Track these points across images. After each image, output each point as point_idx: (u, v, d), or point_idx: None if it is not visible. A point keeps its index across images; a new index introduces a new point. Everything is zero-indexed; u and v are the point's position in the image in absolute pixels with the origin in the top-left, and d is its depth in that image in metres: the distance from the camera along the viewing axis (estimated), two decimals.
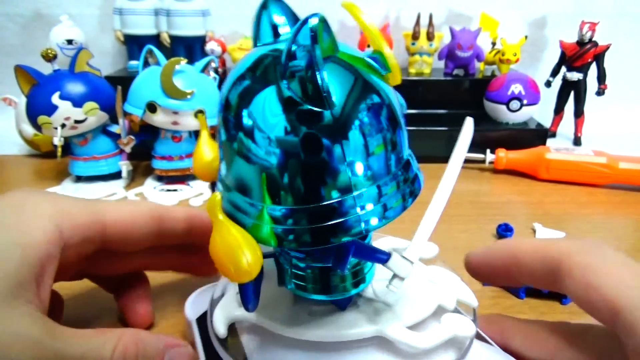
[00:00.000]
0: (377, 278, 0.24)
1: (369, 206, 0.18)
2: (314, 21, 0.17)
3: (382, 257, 0.22)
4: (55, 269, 0.23)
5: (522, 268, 0.22)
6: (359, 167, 0.18)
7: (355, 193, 0.18)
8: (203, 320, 0.26)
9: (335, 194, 0.18)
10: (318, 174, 0.18)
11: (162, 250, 0.30)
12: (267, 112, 0.18)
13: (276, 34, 0.21)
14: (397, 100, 0.20)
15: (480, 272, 0.25)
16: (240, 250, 0.17)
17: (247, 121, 0.18)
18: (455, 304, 0.25)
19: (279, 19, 0.21)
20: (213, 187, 0.22)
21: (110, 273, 0.31)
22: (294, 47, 0.17)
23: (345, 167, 0.18)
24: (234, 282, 0.18)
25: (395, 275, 0.22)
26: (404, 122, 0.20)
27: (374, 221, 0.18)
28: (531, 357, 0.22)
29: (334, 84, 0.18)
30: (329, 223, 0.18)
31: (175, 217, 0.29)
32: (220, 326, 0.23)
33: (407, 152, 0.21)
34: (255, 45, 0.21)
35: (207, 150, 0.23)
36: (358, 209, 0.18)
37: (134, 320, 0.31)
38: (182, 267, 0.33)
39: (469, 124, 0.24)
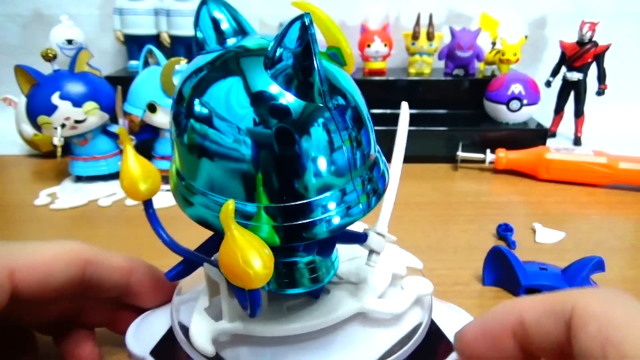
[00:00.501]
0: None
1: (332, 205, 0.19)
2: (307, 17, 0.18)
3: (362, 238, 0.24)
4: None
5: (530, 331, 0.17)
6: (322, 164, 0.19)
7: (320, 192, 0.19)
8: (162, 351, 0.24)
9: (303, 190, 0.19)
10: (291, 169, 0.18)
11: (90, 299, 0.27)
12: (233, 102, 0.18)
13: (217, 29, 0.20)
14: (363, 101, 0.21)
15: (479, 351, 0.19)
16: (259, 254, 0.17)
17: (202, 109, 0.19)
18: (405, 270, 0.27)
19: (219, 15, 0.21)
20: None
21: (32, 325, 0.27)
22: (286, 40, 0.18)
23: (310, 163, 0.18)
24: (249, 288, 0.18)
25: (372, 252, 0.24)
26: (371, 122, 0.21)
27: (336, 220, 0.19)
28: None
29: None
30: (297, 223, 0.19)
31: (109, 265, 0.25)
32: (206, 345, 0.21)
33: (374, 150, 0.21)
34: (197, 40, 0.21)
35: (135, 167, 0.22)
36: (321, 208, 0.19)
37: None
38: (113, 323, 0.28)
39: (404, 109, 0.25)
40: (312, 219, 0.19)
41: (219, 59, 0.20)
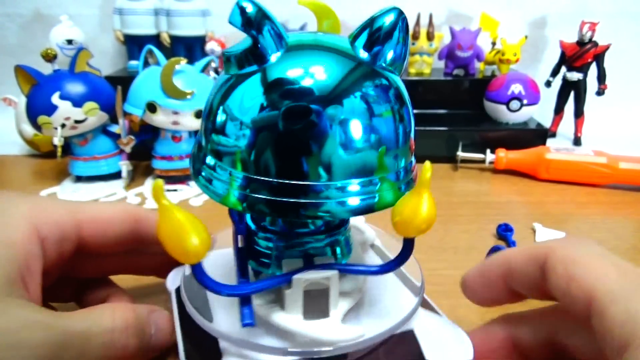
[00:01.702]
0: None
1: (350, 190, 0.19)
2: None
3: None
4: (41, 267, 0.24)
5: (515, 274, 0.22)
6: (357, 131, 0.19)
7: (327, 179, 0.19)
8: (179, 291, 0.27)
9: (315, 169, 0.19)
10: (296, 149, 0.18)
11: (140, 252, 0.30)
12: (246, 98, 0.19)
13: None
14: (403, 86, 0.21)
15: (478, 290, 0.24)
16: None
17: (220, 118, 0.20)
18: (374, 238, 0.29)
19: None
20: None
21: (90, 274, 0.30)
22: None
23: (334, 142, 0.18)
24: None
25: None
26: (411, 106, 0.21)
27: (353, 201, 0.19)
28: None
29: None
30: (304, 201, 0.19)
31: (151, 219, 0.28)
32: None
33: (414, 135, 0.21)
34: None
35: (183, 221, 0.18)
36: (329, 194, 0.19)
37: None
38: (161, 269, 0.31)
39: None
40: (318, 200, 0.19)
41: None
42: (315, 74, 0.19)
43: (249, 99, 0.19)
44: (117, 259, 0.30)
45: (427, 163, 0.19)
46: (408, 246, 0.21)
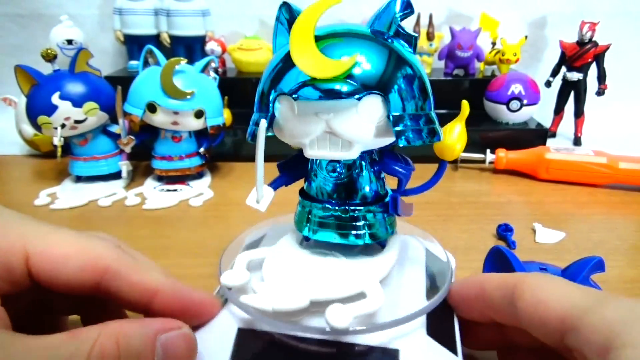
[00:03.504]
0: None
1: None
2: None
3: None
4: None
5: (487, 298, 0.23)
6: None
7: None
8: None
9: None
10: None
11: (104, 308, 0.25)
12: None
13: None
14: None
15: (456, 300, 0.25)
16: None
17: None
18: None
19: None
20: None
21: (60, 311, 0.26)
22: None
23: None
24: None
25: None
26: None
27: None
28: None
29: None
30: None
31: (130, 281, 0.22)
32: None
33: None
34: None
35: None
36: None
37: None
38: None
39: (262, 126, 0.24)
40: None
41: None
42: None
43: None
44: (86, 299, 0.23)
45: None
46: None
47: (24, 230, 0.21)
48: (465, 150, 0.61)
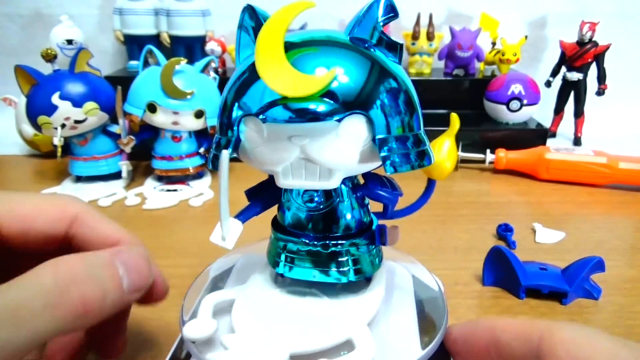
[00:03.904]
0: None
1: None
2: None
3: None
4: None
5: (502, 351, 0.20)
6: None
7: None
8: None
9: None
10: None
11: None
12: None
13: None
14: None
15: (459, 348, 0.22)
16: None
17: None
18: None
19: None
20: None
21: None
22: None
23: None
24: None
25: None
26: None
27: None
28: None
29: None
30: None
31: (96, 229, 0.24)
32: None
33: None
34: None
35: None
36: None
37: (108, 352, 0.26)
38: None
39: (225, 156, 0.21)
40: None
41: None
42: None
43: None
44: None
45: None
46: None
47: None
48: (465, 150, 0.62)
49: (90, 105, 0.52)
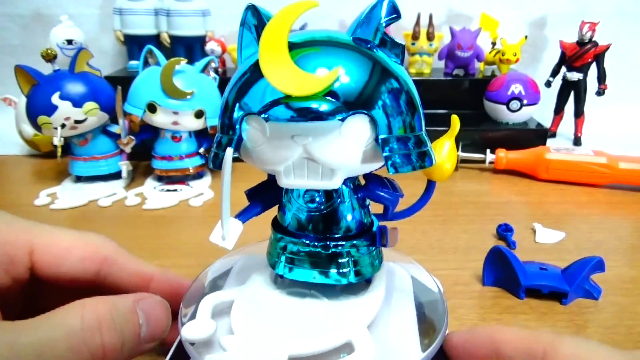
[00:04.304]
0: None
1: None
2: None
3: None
4: None
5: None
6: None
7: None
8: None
9: None
10: None
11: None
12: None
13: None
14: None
15: (458, 355, 0.22)
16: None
17: None
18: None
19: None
20: None
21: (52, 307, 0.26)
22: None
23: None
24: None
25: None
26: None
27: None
28: None
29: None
30: None
31: (127, 268, 0.25)
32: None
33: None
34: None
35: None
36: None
37: None
38: None
39: (228, 154, 0.21)
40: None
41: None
42: None
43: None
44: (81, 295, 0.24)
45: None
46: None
47: (28, 225, 0.23)
48: (465, 150, 0.62)
49: (90, 105, 0.52)
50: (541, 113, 0.70)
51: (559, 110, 0.75)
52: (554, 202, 0.53)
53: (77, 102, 0.51)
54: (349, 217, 0.23)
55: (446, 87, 0.73)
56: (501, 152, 0.60)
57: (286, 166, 0.20)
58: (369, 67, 0.19)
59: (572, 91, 0.72)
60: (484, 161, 0.61)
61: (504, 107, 0.67)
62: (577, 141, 0.73)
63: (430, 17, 0.71)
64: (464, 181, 0.59)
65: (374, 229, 0.24)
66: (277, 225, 0.24)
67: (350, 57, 0.19)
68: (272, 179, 0.23)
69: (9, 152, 0.68)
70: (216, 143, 0.22)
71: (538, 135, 0.66)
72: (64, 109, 0.51)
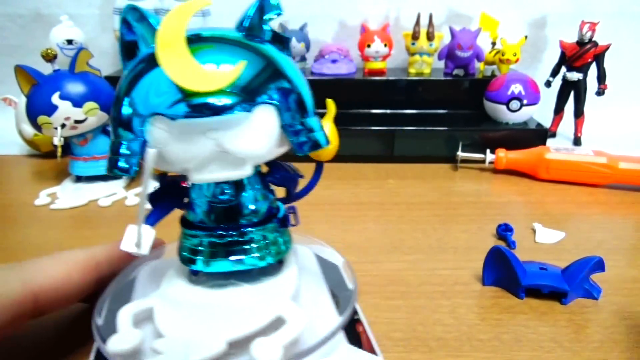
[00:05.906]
0: None
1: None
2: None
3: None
4: None
5: None
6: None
7: None
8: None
9: None
10: None
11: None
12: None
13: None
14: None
15: None
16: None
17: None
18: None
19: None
20: None
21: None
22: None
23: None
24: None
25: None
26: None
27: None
28: None
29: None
30: None
31: (111, 256, 0.28)
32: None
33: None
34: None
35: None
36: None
37: None
38: None
39: (151, 154, 0.21)
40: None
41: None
42: None
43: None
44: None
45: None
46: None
47: (24, 275, 0.24)
48: (465, 150, 0.62)
49: (90, 105, 0.52)
50: (541, 113, 0.70)
51: (558, 110, 0.75)
52: (554, 202, 0.53)
53: (77, 102, 0.51)
54: (259, 203, 0.24)
55: (446, 87, 0.73)
56: (501, 152, 0.60)
57: (197, 162, 0.20)
58: (263, 61, 0.20)
59: (572, 91, 0.72)
60: (484, 161, 0.61)
61: (504, 107, 0.67)
62: (577, 141, 0.73)
63: (430, 17, 0.71)
64: (463, 181, 0.59)
65: (282, 211, 0.25)
66: (187, 223, 0.24)
67: (243, 53, 0.20)
68: (168, 179, 0.24)
69: (9, 152, 0.68)
70: (113, 150, 0.21)
71: (538, 135, 0.66)
72: (64, 109, 0.51)
